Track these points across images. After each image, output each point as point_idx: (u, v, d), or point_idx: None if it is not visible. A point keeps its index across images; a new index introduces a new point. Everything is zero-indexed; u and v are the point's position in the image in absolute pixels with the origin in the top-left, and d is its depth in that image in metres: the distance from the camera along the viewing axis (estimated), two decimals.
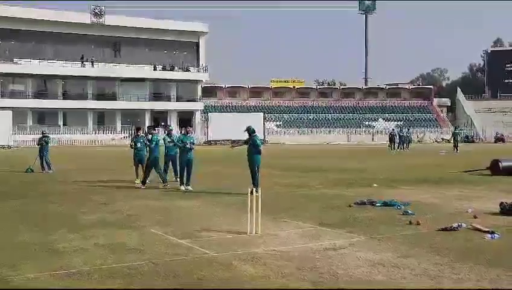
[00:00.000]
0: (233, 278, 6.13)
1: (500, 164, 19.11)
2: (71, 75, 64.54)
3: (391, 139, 44.34)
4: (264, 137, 59.52)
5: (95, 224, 9.49)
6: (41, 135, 22.65)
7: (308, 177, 18.46)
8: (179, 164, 15.64)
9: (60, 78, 64.92)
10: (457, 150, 38.57)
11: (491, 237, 8.21)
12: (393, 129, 51.47)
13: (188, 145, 15.04)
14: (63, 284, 5.86)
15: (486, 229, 8.59)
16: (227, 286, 5.83)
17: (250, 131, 14.24)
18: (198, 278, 6.10)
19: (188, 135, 15.77)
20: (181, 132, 16.50)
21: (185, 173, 15.13)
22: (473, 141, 67.85)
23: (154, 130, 19.32)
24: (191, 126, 17.83)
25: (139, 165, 17.20)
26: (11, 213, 10.94)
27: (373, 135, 70.57)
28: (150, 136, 16.89)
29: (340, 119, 77.90)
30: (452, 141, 41.89)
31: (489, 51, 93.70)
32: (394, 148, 43.03)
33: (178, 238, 8.22)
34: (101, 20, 65.74)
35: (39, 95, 64.13)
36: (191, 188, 14.80)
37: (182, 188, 14.92)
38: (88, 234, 8.61)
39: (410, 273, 6.28)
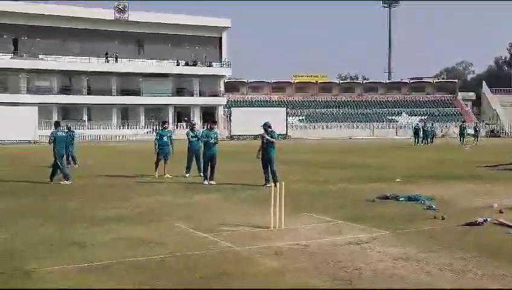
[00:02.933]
0: (258, 272, 6.16)
1: None
2: (95, 71, 65.08)
3: (416, 133, 44.43)
4: (287, 132, 59.42)
5: (117, 218, 9.59)
6: (66, 130, 22.89)
7: (330, 172, 18.40)
8: (202, 159, 15.80)
9: (84, 74, 65.55)
10: (463, 142, 40.70)
11: None
12: (417, 123, 51.69)
13: (211, 140, 15.14)
14: (85, 278, 5.95)
15: (511, 224, 8.50)
16: (248, 281, 5.86)
17: (266, 126, 14.48)
18: (223, 272, 6.14)
19: (213, 130, 15.78)
20: (206, 127, 16.58)
21: (209, 168, 15.21)
22: (498, 136, 66.86)
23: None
24: (215, 121, 17.86)
25: (163, 159, 17.23)
26: (33, 208, 11.11)
27: (396, 130, 69.95)
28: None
29: (363, 113, 77.35)
30: (458, 135, 44.10)
31: None
32: (418, 142, 43.10)
33: (202, 232, 8.28)
34: (124, 16, 66.18)
35: (64, 90, 64.82)
36: (214, 183, 14.87)
37: (206, 182, 14.98)
38: (110, 228, 8.71)
39: (434, 268, 6.25)
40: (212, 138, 15.23)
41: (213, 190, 13.83)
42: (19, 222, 9.32)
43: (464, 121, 51.34)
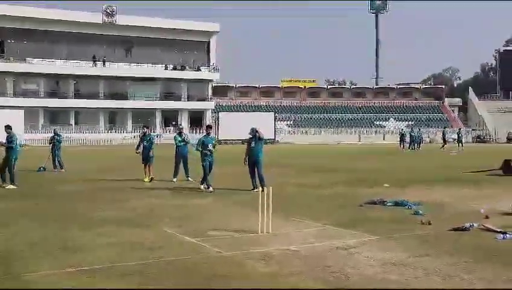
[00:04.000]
0: (246, 277, 6.17)
1: None
2: (83, 75, 64.85)
3: (402, 138, 45.14)
4: (275, 137, 59.45)
5: (108, 222, 9.56)
6: (53, 134, 22.81)
7: (318, 177, 18.45)
8: (202, 166, 14.64)
9: (71, 77, 65.27)
10: (444, 147, 41.42)
11: (503, 237, 8.19)
12: (402, 129, 53.02)
13: (209, 148, 14.50)
14: (76, 282, 5.93)
15: (498, 230, 8.57)
16: (238, 286, 5.87)
17: (254, 131, 14.43)
18: (212, 276, 6.14)
19: (209, 136, 15.13)
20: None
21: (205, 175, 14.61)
22: (484, 141, 67.40)
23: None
24: (210, 126, 16.51)
25: (147, 164, 17.25)
26: (25, 212, 11.03)
27: (384, 135, 70.29)
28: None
29: (350, 119, 77.68)
30: (441, 140, 44.92)
31: (501, 50, 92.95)
32: (404, 147, 43.74)
33: (190, 237, 8.27)
34: (112, 19, 66.02)
35: (51, 94, 64.50)
36: (211, 190, 14.21)
37: (202, 187, 14.53)
38: (101, 232, 8.69)
39: (422, 273, 6.29)
40: (209, 146, 14.55)
41: (202, 194, 13.81)
42: (10, 226, 9.25)
43: (445, 127, 52.25)
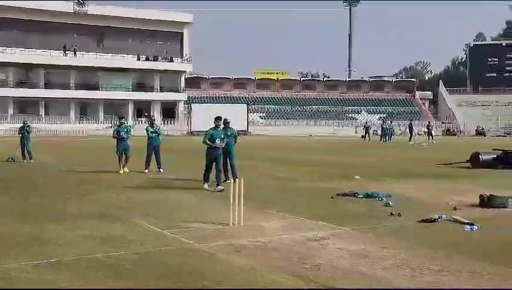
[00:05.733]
0: (217, 269, 6.17)
1: (480, 156, 19.36)
2: (53, 64, 63.79)
3: (366, 131, 47.06)
4: (248, 128, 59.41)
5: (79, 215, 9.45)
6: (22, 124, 22.46)
7: (290, 170, 18.53)
8: (206, 161, 13.17)
9: (42, 67, 64.20)
10: (412, 140, 42.12)
11: (471, 229, 8.36)
12: (366, 122, 56.16)
13: (218, 145, 12.95)
14: (47, 275, 5.86)
15: (466, 221, 8.73)
16: (210, 278, 5.87)
17: (225, 122, 14.09)
18: (183, 269, 6.13)
19: (218, 129, 13.29)
20: (214, 126, 13.14)
21: (216, 171, 12.98)
22: (454, 134, 68.47)
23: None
24: (220, 118, 13.56)
25: (123, 155, 17.05)
26: None
27: (356, 128, 70.85)
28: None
29: (323, 111, 78.09)
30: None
31: (471, 45, 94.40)
32: (370, 139, 44.99)
33: (162, 229, 8.24)
34: (84, 9, 65.05)
35: (21, 84, 63.38)
36: (221, 188, 12.44)
37: (206, 186, 13.03)
38: (72, 225, 8.58)
39: (391, 264, 6.38)
40: (216, 140, 12.93)
41: (175, 186, 13.74)
42: None
43: (411, 120, 53.37)
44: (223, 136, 13.24)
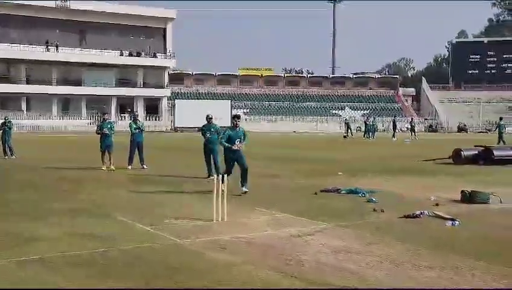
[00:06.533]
0: (201, 265, 6.16)
1: (462, 153, 19.54)
2: (35, 60, 63.15)
3: (347, 127, 48.06)
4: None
5: (61, 212, 9.37)
6: (3, 120, 22.21)
7: (273, 166, 18.54)
8: (226, 165, 11.96)
9: (23, 62, 63.50)
10: (395, 136, 42.80)
11: (452, 224, 8.43)
12: (345, 118, 57.25)
13: (234, 147, 11.63)
14: (28, 272, 5.80)
15: (448, 217, 8.81)
16: (193, 280, 5.85)
17: (208, 118, 14.49)
18: (168, 266, 6.11)
19: (236, 128, 11.91)
20: (231, 125, 11.93)
21: (241, 173, 11.86)
22: (436, 131, 69.02)
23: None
24: (238, 117, 12.39)
25: (106, 151, 16.92)
26: None
27: (340, 124, 71.11)
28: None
29: (307, 107, 78.27)
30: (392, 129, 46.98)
31: (454, 42, 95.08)
32: (351, 135, 46.31)
33: (145, 226, 8.20)
34: (65, 4, 64.41)
35: (1, 79, 62.61)
36: (246, 190, 11.60)
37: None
38: (53, 222, 8.51)
39: (374, 259, 6.40)
40: (236, 141, 11.67)
41: (159, 183, 13.68)
42: None
43: (395, 116, 53.91)
44: (243, 136, 11.86)
